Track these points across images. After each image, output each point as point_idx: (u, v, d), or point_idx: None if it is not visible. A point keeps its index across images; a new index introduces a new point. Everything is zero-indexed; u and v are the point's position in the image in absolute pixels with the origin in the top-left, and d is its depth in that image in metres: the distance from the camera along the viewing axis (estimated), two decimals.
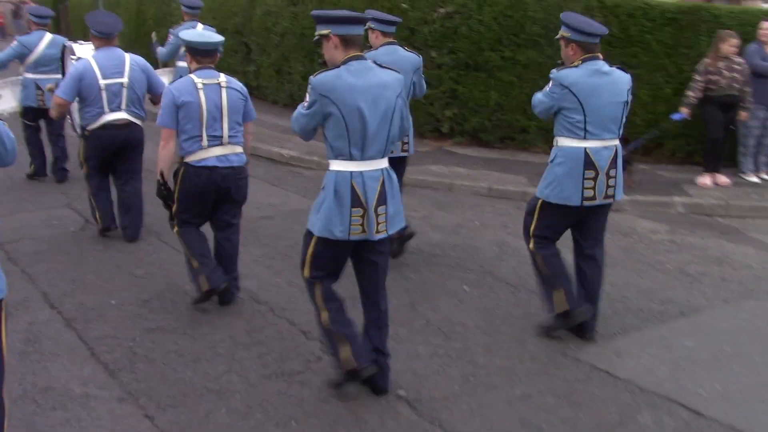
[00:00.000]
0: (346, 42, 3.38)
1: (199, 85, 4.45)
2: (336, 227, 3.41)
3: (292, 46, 11.49)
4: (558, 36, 4.29)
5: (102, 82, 5.61)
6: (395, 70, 3.52)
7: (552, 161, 4.30)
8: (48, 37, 7.59)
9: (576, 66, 4.17)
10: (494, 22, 9.22)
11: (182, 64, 8.19)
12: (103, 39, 5.75)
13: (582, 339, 4.43)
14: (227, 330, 4.45)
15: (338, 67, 3.36)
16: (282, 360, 4.11)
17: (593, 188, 4.17)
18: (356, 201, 3.40)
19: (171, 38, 8.38)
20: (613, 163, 4.23)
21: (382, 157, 3.49)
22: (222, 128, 4.52)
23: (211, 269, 4.60)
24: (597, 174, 4.16)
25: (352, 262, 3.73)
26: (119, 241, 5.99)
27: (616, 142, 4.28)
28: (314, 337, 4.35)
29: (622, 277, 5.53)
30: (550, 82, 4.25)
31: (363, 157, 3.40)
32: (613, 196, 4.27)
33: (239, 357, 4.12)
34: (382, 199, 3.47)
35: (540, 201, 4.35)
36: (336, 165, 3.44)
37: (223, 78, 4.58)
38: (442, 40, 9.53)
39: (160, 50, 8.68)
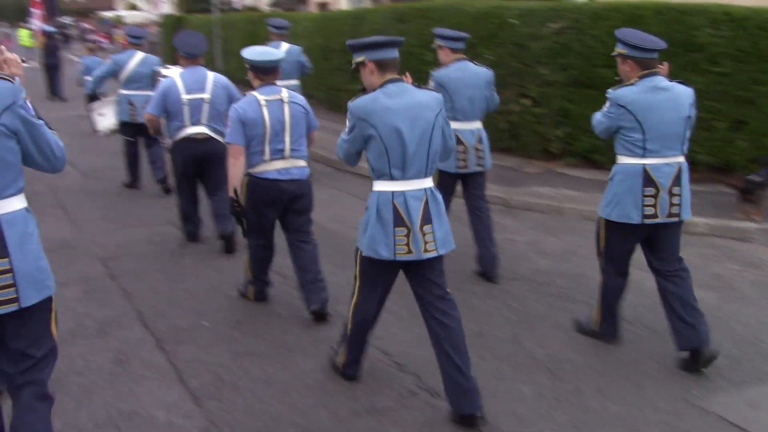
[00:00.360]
0: (382, 66, 3.47)
1: (263, 102, 4.56)
2: (381, 247, 3.44)
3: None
4: (614, 53, 4.19)
5: (184, 97, 5.89)
6: (433, 91, 3.58)
7: (611, 179, 4.23)
8: (139, 55, 8.05)
9: (632, 83, 4.07)
10: (609, 38, 8.72)
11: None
12: (188, 59, 6.05)
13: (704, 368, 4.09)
14: (318, 359, 4.23)
15: (375, 90, 3.44)
16: (374, 394, 3.84)
17: (654, 206, 4.06)
18: (399, 220, 3.42)
19: None
20: (677, 181, 4.09)
21: (425, 176, 3.49)
22: (284, 142, 4.62)
23: (262, 287, 4.96)
24: (658, 191, 4.05)
25: (410, 286, 3.69)
26: (216, 260, 5.93)
27: (680, 158, 4.12)
28: (409, 371, 4.08)
29: (754, 316, 4.97)
30: (608, 101, 4.15)
31: (404, 177, 3.42)
32: (678, 215, 4.11)
33: (329, 389, 3.89)
34: (427, 219, 3.46)
35: (603, 220, 4.29)
36: (378, 185, 3.49)
37: (285, 93, 4.68)
38: (554, 56, 9.11)
39: None
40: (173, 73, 6.27)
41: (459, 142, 5.27)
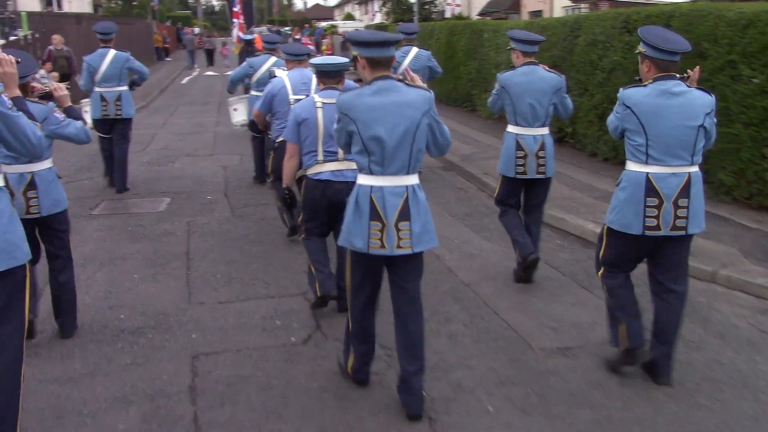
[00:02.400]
0: (373, 63, 3.47)
1: (318, 104, 4.67)
2: (356, 239, 3.49)
3: (621, 84, 8.92)
4: (636, 51, 3.98)
5: (291, 97, 5.96)
6: (425, 89, 3.56)
7: (617, 185, 4.04)
8: (271, 59, 8.54)
9: (644, 85, 3.86)
10: None
11: None
12: (294, 61, 6.25)
13: (656, 383, 3.94)
14: None
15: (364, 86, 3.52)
16: None
17: (657, 217, 3.80)
18: (375, 215, 3.45)
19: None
20: (684, 192, 3.79)
21: (408, 173, 3.49)
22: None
23: (326, 276, 4.89)
24: (661, 202, 3.79)
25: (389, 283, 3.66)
26: (342, 383, 4.12)
27: (690, 169, 3.82)
28: None
29: None
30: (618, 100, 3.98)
31: (384, 173, 3.45)
32: (684, 228, 3.82)
33: None
34: (404, 215, 3.46)
35: (605, 227, 4.09)
36: (360, 179, 3.52)
37: None
38: None
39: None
40: (282, 74, 6.32)
41: (519, 147, 5.29)
